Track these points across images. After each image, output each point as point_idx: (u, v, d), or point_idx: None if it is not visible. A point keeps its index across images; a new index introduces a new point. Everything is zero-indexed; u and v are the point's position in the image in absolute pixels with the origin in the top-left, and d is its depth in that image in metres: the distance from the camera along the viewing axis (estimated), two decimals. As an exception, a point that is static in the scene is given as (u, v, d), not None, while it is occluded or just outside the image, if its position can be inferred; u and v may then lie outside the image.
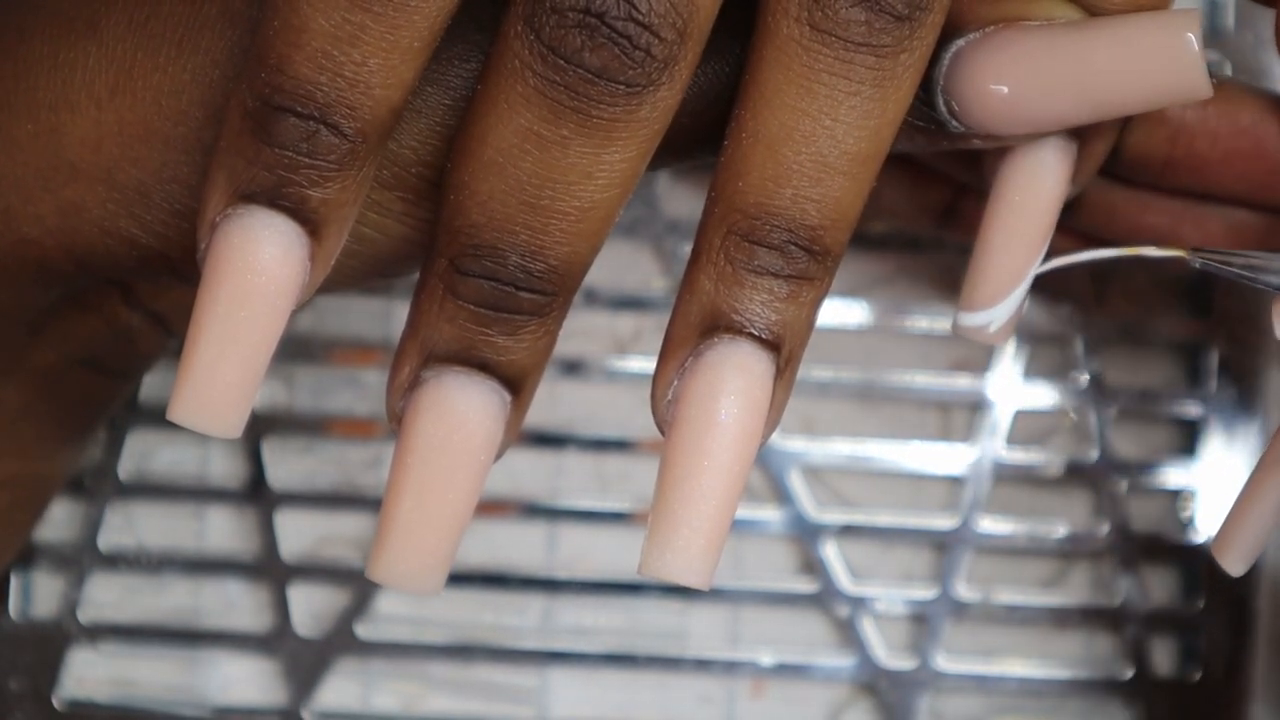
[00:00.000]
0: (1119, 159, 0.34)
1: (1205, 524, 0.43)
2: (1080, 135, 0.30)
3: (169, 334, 0.34)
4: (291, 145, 0.25)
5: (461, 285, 0.26)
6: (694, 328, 0.27)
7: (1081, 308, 0.43)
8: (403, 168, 0.28)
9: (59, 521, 0.43)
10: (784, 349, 0.27)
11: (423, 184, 0.28)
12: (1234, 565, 0.32)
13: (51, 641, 0.43)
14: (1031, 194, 0.30)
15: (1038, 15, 0.28)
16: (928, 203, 0.37)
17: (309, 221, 0.26)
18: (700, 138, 0.28)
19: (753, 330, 0.26)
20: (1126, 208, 0.35)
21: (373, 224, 0.28)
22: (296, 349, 0.43)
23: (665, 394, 0.27)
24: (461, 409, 0.26)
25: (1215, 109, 0.33)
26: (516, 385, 0.27)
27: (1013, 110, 0.27)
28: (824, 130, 0.26)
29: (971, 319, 0.30)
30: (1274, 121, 0.33)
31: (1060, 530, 0.43)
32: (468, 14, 0.27)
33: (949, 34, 0.27)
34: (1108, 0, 0.28)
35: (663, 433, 0.27)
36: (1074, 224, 0.36)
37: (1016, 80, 0.27)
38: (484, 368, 0.26)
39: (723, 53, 0.27)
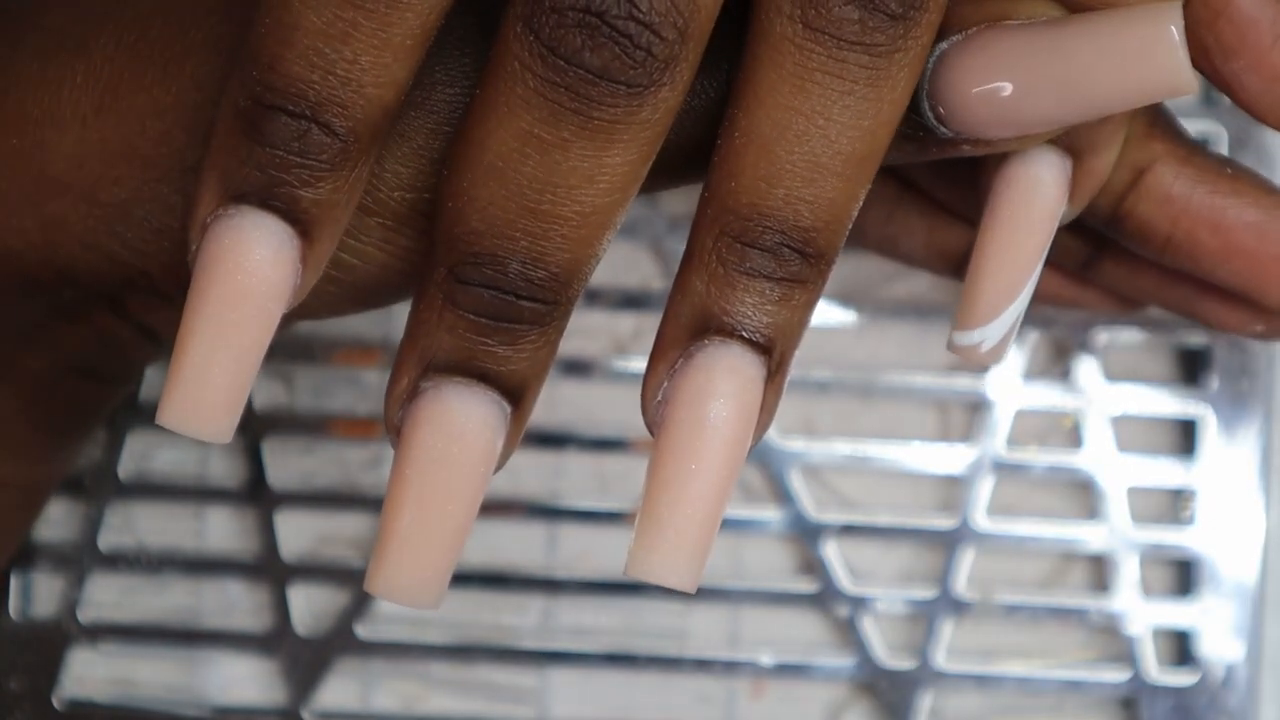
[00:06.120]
0: (1121, 229, 0.33)
1: (1205, 524, 0.43)
2: (1075, 153, 0.30)
3: (159, 345, 0.34)
4: (283, 144, 0.25)
5: (461, 294, 0.26)
6: (685, 329, 0.26)
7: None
8: (384, 192, 0.28)
9: (59, 521, 0.43)
10: (775, 352, 0.26)
11: (404, 209, 0.28)
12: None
13: (51, 641, 0.43)
14: (1024, 210, 0.29)
15: (1019, 14, 0.27)
16: (944, 250, 0.36)
17: (300, 223, 0.26)
18: (693, 158, 0.28)
19: (744, 333, 0.26)
20: (1150, 267, 0.34)
21: (352, 250, 0.28)
22: (296, 349, 0.43)
23: (655, 395, 0.27)
24: (461, 420, 0.26)
25: (1224, 199, 0.32)
26: (517, 396, 0.27)
27: (999, 112, 0.27)
28: (817, 130, 0.25)
29: (965, 338, 0.30)
30: None
31: (1060, 530, 0.43)
32: (453, 36, 0.27)
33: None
34: None
35: (652, 434, 0.27)
36: (1099, 279, 0.36)
37: (1000, 81, 0.27)
38: (484, 378, 0.26)
39: (716, 71, 0.27)
